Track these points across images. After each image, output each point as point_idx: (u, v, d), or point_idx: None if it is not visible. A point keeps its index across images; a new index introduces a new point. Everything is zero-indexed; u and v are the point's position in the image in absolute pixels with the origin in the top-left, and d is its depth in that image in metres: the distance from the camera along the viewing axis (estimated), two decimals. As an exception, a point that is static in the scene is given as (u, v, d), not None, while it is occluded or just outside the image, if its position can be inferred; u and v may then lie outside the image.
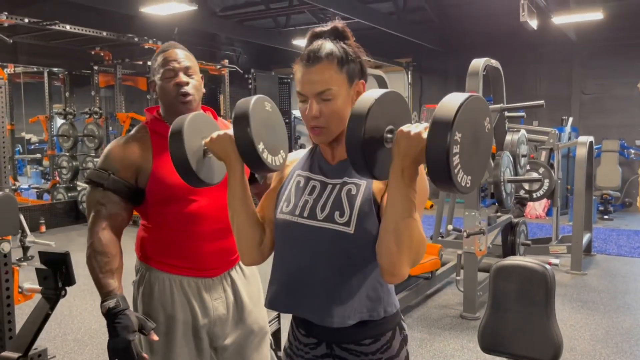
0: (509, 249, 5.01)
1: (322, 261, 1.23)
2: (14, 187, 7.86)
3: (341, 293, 1.21)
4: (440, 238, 5.73)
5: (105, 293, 1.55)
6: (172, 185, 1.63)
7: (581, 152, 5.38)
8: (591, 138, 5.56)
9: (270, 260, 1.36)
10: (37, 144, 10.25)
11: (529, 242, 5.25)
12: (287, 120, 10.82)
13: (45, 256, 1.83)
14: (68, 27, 6.43)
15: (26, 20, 5.98)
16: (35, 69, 8.61)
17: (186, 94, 1.69)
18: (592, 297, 4.56)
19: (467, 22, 9.98)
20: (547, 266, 1.88)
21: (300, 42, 9.07)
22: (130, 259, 1.80)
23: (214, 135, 1.27)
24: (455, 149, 0.97)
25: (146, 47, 7.45)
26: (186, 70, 1.71)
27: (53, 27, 6.30)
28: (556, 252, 5.50)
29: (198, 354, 1.74)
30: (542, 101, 4.44)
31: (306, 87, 1.23)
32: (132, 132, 1.77)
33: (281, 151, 1.32)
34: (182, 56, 1.72)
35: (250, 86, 9.89)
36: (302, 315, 1.27)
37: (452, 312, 4.19)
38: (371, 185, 1.23)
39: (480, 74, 4.02)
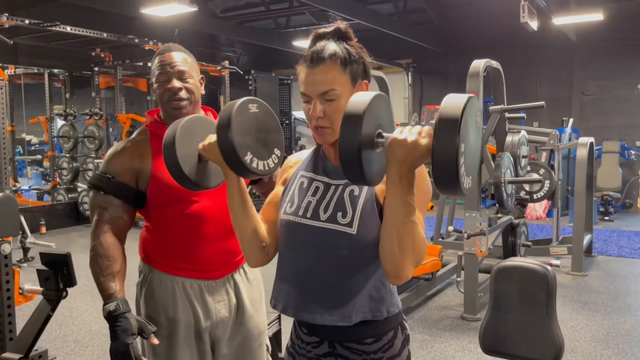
0: (509, 250, 5.00)
1: (324, 261, 1.24)
2: (14, 188, 7.87)
3: (343, 293, 1.22)
4: (440, 239, 5.73)
5: (106, 296, 1.55)
6: (172, 187, 1.62)
7: (582, 153, 5.38)
8: (591, 139, 5.56)
9: (274, 261, 1.38)
10: (37, 145, 10.26)
11: (530, 243, 5.25)
12: (287, 121, 10.82)
13: (46, 257, 1.82)
14: (69, 29, 6.45)
15: (27, 21, 5.99)
16: (36, 70, 8.62)
17: (178, 99, 1.68)
18: (593, 298, 4.55)
19: (468, 23, 9.98)
20: (548, 267, 1.88)
21: (301, 43, 9.08)
22: (135, 261, 1.80)
23: (206, 142, 1.28)
24: (462, 155, 0.96)
25: (146, 48, 7.46)
26: (180, 75, 1.68)
27: (54, 28, 6.31)
28: (557, 253, 5.50)
29: (200, 356, 1.73)
30: (543, 102, 4.44)
31: (310, 88, 1.23)
32: (133, 135, 1.78)
33: (275, 150, 1.31)
34: (178, 60, 1.69)
35: (250, 87, 9.90)
36: (307, 320, 1.27)
37: (453, 313, 4.19)
38: (374, 187, 1.23)
39: (480, 75, 4.02)
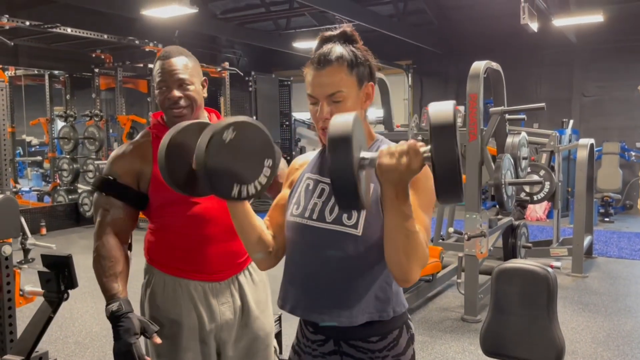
0: (509, 251, 5.01)
1: (330, 263, 1.25)
2: (14, 189, 7.87)
3: (349, 294, 1.24)
4: (441, 240, 5.73)
5: (109, 296, 1.56)
6: None
7: (582, 154, 5.38)
8: (592, 140, 5.57)
9: (280, 263, 1.39)
10: (37, 147, 10.28)
11: (530, 244, 5.25)
12: (287, 123, 10.83)
13: (47, 259, 1.83)
14: (69, 30, 6.45)
15: (27, 23, 5.99)
16: (36, 72, 8.62)
17: (179, 108, 1.68)
18: (593, 299, 4.55)
19: (468, 24, 9.99)
20: (549, 269, 1.88)
21: (301, 45, 9.08)
22: (141, 261, 1.81)
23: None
24: (460, 164, 0.99)
25: (147, 49, 7.46)
26: (180, 83, 1.67)
27: (54, 29, 6.31)
28: (557, 255, 5.50)
29: (204, 359, 1.73)
30: (543, 104, 4.44)
31: (317, 90, 1.25)
32: (137, 137, 1.79)
33: (265, 161, 1.24)
34: (179, 66, 1.67)
35: (250, 89, 9.91)
36: (316, 321, 1.28)
37: (453, 315, 4.19)
38: (378, 188, 1.24)
39: (481, 77, 4.03)
